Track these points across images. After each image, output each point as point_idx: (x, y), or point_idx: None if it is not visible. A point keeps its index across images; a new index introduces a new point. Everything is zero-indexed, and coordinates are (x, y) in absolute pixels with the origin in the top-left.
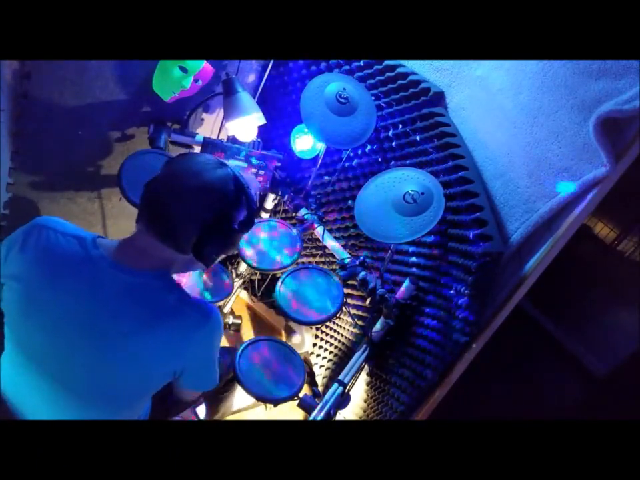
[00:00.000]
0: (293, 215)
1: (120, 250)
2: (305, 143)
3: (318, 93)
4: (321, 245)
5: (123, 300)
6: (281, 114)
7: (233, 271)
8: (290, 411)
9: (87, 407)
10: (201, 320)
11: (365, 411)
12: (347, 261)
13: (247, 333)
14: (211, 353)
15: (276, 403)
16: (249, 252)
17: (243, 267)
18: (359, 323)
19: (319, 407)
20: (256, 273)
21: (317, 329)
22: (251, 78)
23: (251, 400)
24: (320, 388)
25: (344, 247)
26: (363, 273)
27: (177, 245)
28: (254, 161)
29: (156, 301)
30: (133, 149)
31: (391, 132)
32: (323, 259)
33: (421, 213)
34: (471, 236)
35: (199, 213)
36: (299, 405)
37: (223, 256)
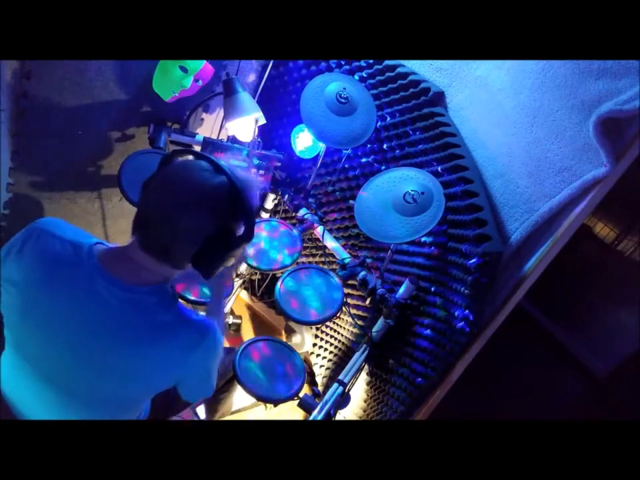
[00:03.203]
0: (293, 214)
1: (116, 262)
2: (304, 143)
3: (318, 93)
4: (321, 244)
5: (118, 315)
6: (280, 114)
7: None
8: (290, 411)
9: (85, 410)
10: (198, 339)
11: (365, 411)
12: (347, 260)
13: (247, 333)
14: (207, 368)
15: (276, 403)
16: (249, 252)
17: (243, 267)
18: (359, 322)
19: (318, 407)
20: (256, 273)
21: (317, 329)
22: (251, 78)
23: (251, 400)
24: (320, 388)
25: (344, 246)
26: (362, 273)
27: (173, 263)
28: (254, 161)
29: (152, 318)
30: (133, 148)
31: (391, 132)
32: (323, 259)
33: (420, 213)
34: (470, 236)
35: (196, 231)
36: (299, 405)
37: (223, 267)
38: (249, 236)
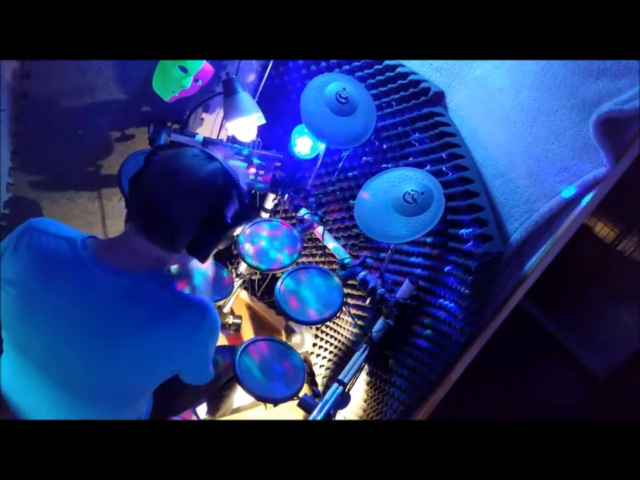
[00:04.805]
0: (293, 214)
1: (111, 251)
2: (305, 143)
3: (318, 93)
4: (320, 244)
5: (117, 303)
6: (280, 114)
7: (233, 270)
8: (290, 411)
9: (88, 406)
10: (198, 320)
11: (365, 411)
12: (347, 260)
13: (247, 333)
14: (207, 350)
15: (276, 402)
16: (249, 251)
17: (242, 267)
18: (359, 322)
19: (318, 407)
20: (256, 273)
21: (317, 329)
22: (251, 78)
23: (251, 400)
24: (320, 388)
25: (344, 246)
26: (362, 273)
27: (171, 246)
28: (254, 161)
29: (151, 302)
30: (133, 148)
31: (390, 132)
32: (323, 259)
33: (421, 213)
34: (471, 236)
35: (194, 213)
36: (299, 405)
37: (216, 249)
38: (243, 216)
